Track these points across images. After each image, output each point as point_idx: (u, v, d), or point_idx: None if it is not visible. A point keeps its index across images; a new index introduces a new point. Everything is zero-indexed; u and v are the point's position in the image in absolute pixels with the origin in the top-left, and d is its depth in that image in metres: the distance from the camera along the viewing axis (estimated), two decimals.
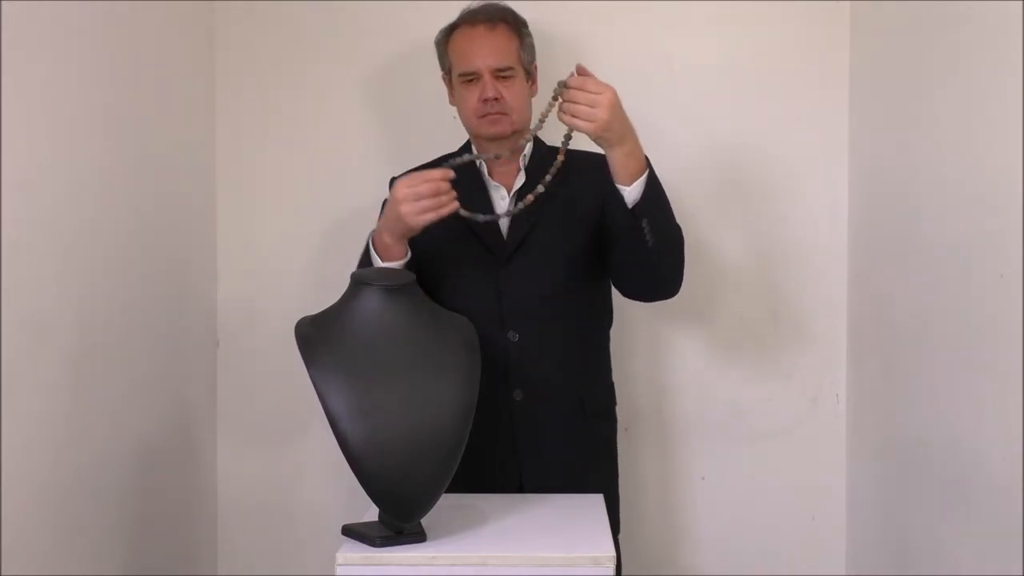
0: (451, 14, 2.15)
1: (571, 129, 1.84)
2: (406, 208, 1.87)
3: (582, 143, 2.27)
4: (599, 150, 2.15)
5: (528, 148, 2.13)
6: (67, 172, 1.83)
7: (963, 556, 1.90)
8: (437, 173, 1.88)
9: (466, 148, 2.14)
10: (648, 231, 1.88)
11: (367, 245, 1.99)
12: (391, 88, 2.49)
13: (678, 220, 1.98)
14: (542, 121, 1.87)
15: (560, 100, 1.82)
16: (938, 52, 2.01)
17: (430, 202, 1.86)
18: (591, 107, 1.80)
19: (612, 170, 1.87)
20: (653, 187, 1.88)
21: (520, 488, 2.02)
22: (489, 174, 2.10)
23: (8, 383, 1.63)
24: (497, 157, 1.99)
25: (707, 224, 2.47)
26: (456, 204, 1.89)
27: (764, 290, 2.49)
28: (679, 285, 2.03)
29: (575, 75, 1.83)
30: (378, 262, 1.95)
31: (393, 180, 2.13)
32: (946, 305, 1.96)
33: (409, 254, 1.96)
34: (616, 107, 1.81)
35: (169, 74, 2.28)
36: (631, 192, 1.86)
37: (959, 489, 1.91)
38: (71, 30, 1.85)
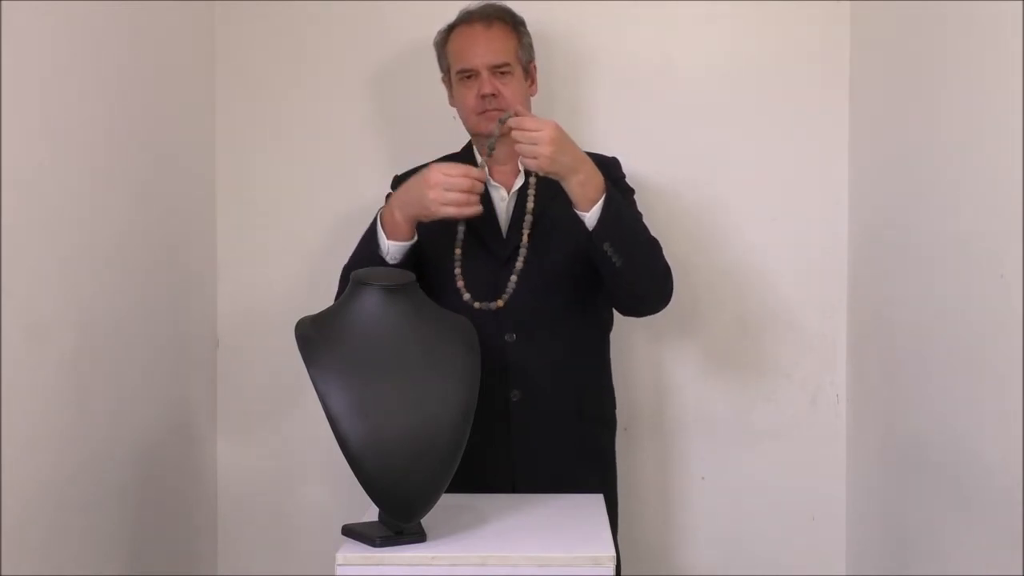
0: (452, 15, 2.15)
1: (494, 139, 1.91)
2: (434, 194, 1.85)
3: (589, 145, 2.28)
4: (607, 151, 2.16)
5: None
6: (67, 172, 1.83)
7: (963, 556, 1.90)
8: (476, 172, 1.89)
9: (468, 149, 2.14)
10: (612, 253, 1.89)
11: (375, 221, 1.96)
12: (391, 88, 2.49)
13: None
14: (492, 148, 1.92)
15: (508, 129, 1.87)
16: (938, 52, 2.01)
17: (459, 196, 1.86)
18: (533, 145, 1.82)
19: (571, 198, 1.88)
20: (611, 210, 1.88)
21: (513, 488, 2.01)
22: (489, 174, 2.10)
23: (8, 383, 1.63)
24: (491, 150, 1.98)
25: (707, 224, 2.47)
26: (480, 208, 1.89)
27: (764, 290, 2.49)
28: (663, 300, 2.05)
29: (514, 115, 1.88)
30: (383, 239, 1.93)
31: (396, 179, 2.13)
32: (946, 305, 1.96)
33: (415, 238, 1.95)
34: (558, 141, 1.83)
35: (169, 74, 2.28)
36: (590, 218, 1.88)
37: (959, 489, 1.91)
38: (71, 30, 1.85)
